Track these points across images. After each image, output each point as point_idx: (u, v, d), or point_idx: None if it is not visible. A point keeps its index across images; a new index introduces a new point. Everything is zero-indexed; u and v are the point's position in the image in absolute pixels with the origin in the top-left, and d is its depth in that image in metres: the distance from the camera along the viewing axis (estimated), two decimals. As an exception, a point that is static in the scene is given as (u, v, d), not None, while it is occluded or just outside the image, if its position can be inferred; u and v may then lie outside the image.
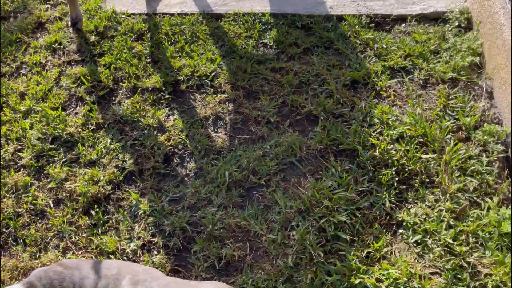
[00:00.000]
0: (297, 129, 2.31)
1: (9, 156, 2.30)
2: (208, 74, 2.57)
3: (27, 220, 2.08)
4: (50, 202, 2.14)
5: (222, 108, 2.42)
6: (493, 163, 2.06)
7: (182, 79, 2.57)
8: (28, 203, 2.13)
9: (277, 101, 2.40)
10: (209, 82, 2.54)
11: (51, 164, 2.27)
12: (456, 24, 2.64)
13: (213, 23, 2.84)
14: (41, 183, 2.21)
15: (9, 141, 2.37)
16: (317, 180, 2.09)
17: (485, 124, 2.18)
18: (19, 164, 2.28)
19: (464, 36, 2.56)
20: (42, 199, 2.14)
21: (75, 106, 2.54)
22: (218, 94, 2.49)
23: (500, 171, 2.05)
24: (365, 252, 1.84)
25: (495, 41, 2.28)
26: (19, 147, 2.35)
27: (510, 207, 1.89)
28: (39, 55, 2.79)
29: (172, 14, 2.91)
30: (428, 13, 2.74)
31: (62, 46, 2.83)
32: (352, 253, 1.83)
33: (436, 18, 2.71)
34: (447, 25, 2.66)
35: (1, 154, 2.31)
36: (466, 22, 2.64)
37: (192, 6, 2.95)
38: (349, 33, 2.69)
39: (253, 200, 2.08)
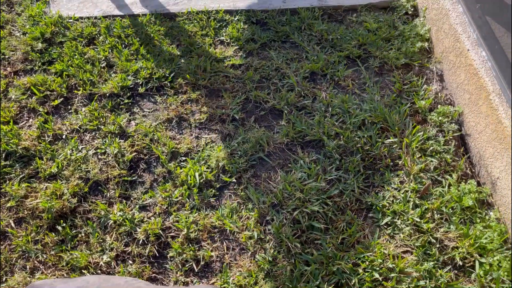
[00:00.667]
0: (262, 124, 2.32)
1: (-41, 177, 2.15)
2: (167, 75, 2.52)
3: (-13, 243, 1.96)
4: (11, 221, 2.02)
5: (185, 109, 2.39)
6: (450, 142, 2.18)
7: (141, 82, 2.50)
8: (-13, 225, 2.00)
9: (240, 98, 2.40)
10: (168, 84, 2.49)
11: (7, 182, 2.14)
12: (404, 12, 2.76)
13: (167, 23, 2.78)
14: (-2, 202, 2.08)
15: (-43, 162, 2.21)
16: (286, 173, 2.12)
17: (439, 106, 2.29)
18: (-29, 185, 2.14)
19: (412, 23, 2.68)
20: (2, 219, 2.01)
21: (27, 118, 2.41)
22: (179, 95, 2.45)
23: (457, 149, 2.17)
24: (340, 239, 1.89)
25: (442, 26, 2.40)
26: (-30, 166, 2.20)
27: (468, 182, 2.01)
28: (-19, 67, 2.61)
29: (123, 16, 2.82)
30: (376, 3, 2.84)
31: (6, 56, 2.66)
32: (327, 241, 1.88)
33: (385, 7, 2.82)
34: (395, 13, 2.77)
35: (-51, 175, 2.15)
36: (412, 9, 2.76)
37: (143, 7, 2.87)
38: (303, 26, 2.73)
39: (226, 198, 2.07)
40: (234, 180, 2.11)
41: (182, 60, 2.59)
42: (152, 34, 2.72)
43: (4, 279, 1.86)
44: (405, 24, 2.69)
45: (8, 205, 2.06)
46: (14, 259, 1.91)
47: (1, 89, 2.49)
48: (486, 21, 2.08)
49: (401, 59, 2.51)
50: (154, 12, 2.83)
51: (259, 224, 1.98)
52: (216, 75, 2.50)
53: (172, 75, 2.52)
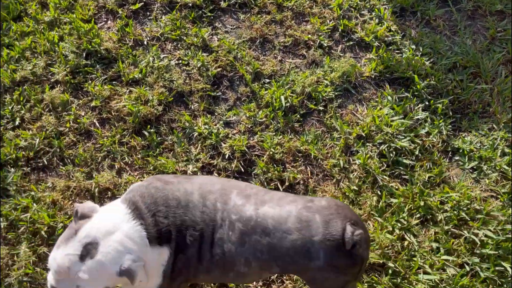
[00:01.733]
0: (349, 55, 2.25)
1: (40, 70, 2.10)
2: (251, -8, 2.40)
3: (73, 139, 1.95)
4: (95, 121, 2.00)
5: (269, 30, 2.30)
6: (541, 96, 2.14)
7: (223, -4, 2.39)
8: (71, 121, 1.98)
9: (328, 25, 2.30)
10: (252, 1, 2.38)
11: (89, 81, 2.10)
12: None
13: None
14: (81, 101, 2.05)
15: (36, 55, 2.15)
16: (373, 107, 2.08)
17: (532, 58, 2.22)
18: (52, 80, 2.09)
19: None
20: (86, 118, 2.00)
21: (105, 20, 2.32)
22: (263, 15, 2.35)
23: (547, 104, 2.13)
24: (426, 177, 1.90)
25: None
26: (49, 61, 2.14)
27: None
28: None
29: None
30: None
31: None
32: (415, 177, 1.89)
33: None
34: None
35: (31, 68, 2.10)
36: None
37: None
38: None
39: (311, 125, 2.05)
40: (321, 108, 2.08)
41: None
42: None
43: (92, 176, 1.87)
44: (502, -31, 2.53)
45: (92, 104, 2.03)
46: (100, 158, 1.92)
47: (77, -15, 2.37)
48: None
49: (496, 5, 2.39)
50: None
51: (343, 154, 1.97)
52: (302, -2, 2.39)
53: (256, -8, 2.40)
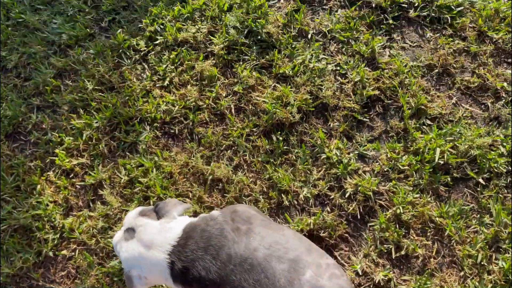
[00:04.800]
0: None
1: (201, 36, 2.08)
2: (452, 7, 1.96)
3: (206, 118, 1.94)
4: (232, 106, 1.95)
5: (456, 61, 1.88)
6: None
7: (416, 3, 2.00)
8: (210, 99, 1.96)
9: (536, 78, 1.79)
10: (449, 19, 1.95)
11: (241, 62, 2.02)
12: None
13: None
14: (227, 80, 2.00)
15: (203, 19, 2.14)
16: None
17: None
18: (208, 50, 2.07)
19: None
20: (224, 101, 1.95)
21: (278, -2, 2.16)
22: (455, 40, 1.92)
23: None
24: None
25: None
26: (213, 29, 2.10)
27: None
28: None
29: None
30: None
31: None
32: None
33: None
34: None
35: (194, 31, 2.10)
36: None
37: None
38: None
39: (460, 196, 1.69)
40: (481, 180, 1.68)
41: (479, -6, 1.97)
42: None
43: (210, 162, 1.86)
44: None
45: (235, 88, 1.97)
46: (224, 146, 1.88)
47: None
48: None
49: None
50: None
51: (487, 247, 1.59)
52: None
53: (459, 8, 1.95)
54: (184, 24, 2.13)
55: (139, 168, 1.87)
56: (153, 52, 2.09)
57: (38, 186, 1.89)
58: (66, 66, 2.12)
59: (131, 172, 1.86)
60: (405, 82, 1.87)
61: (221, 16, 2.12)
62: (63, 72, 2.14)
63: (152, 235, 1.27)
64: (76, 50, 2.15)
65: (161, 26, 2.13)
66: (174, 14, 2.15)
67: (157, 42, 2.10)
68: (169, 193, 1.80)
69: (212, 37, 2.08)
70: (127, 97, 2.01)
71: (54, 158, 1.94)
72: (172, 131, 1.95)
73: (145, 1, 2.20)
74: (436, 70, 1.89)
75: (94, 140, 1.95)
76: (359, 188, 1.72)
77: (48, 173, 1.93)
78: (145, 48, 2.10)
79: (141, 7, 2.19)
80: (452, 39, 1.92)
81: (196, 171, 1.85)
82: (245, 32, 2.06)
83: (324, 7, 2.09)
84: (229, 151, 1.87)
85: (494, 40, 1.88)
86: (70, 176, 1.93)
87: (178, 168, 1.86)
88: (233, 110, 1.94)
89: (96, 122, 1.97)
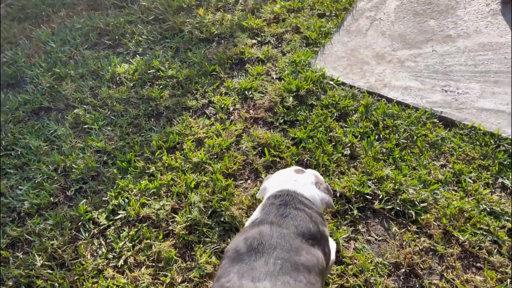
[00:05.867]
0: None
1: (165, 214, 2.03)
2: (416, 202, 1.96)
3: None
4: None
5: (423, 261, 1.80)
6: None
7: (380, 196, 2.01)
8: (164, 285, 1.83)
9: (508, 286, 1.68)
10: (413, 214, 1.93)
11: (201, 245, 1.93)
12: None
13: (439, 129, 2.20)
14: (184, 264, 1.89)
15: (169, 194, 2.12)
16: None
17: None
18: (169, 228, 2.00)
19: None
20: (178, 289, 1.81)
21: (247, 178, 2.18)
22: (421, 237, 1.87)
23: None
24: None
25: None
26: (177, 206, 2.07)
27: None
28: (229, 98, 2.51)
29: (389, 100, 2.36)
30: None
31: (253, 98, 2.50)
32: None
33: None
34: None
35: (158, 207, 2.06)
36: None
37: (418, 98, 2.34)
38: None
39: None
40: None
41: (442, 191, 1.98)
42: (415, 137, 2.18)
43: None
44: None
45: (191, 275, 1.85)
46: None
47: (236, 134, 2.32)
48: None
49: None
50: (427, 109, 2.27)
51: None
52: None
53: (422, 205, 1.94)
54: (149, 199, 2.11)
55: None
56: (113, 227, 2.03)
57: None
58: (20, 236, 2.04)
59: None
60: (371, 281, 1.76)
61: (187, 193, 2.11)
62: (16, 243, 2.04)
63: None
64: (35, 219, 2.08)
65: (126, 200, 2.11)
66: (141, 188, 2.14)
67: (118, 216, 2.05)
68: None
69: (175, 215, 2.03)
70: (76, 277, 1.87)
71: None
72: None
73: (113, 173, 2.22)
74: (403, 270, 1.79)
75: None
76: None
77: None
78: (106, 222, 2.04)
79: (109, 179, 2.20)
80: (418, 235, 1.87)
81: None
82: (209, 212, 2.02)
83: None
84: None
85: (461, 241, 1.82)
86: None
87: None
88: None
89: (36, 305, 1.80)
